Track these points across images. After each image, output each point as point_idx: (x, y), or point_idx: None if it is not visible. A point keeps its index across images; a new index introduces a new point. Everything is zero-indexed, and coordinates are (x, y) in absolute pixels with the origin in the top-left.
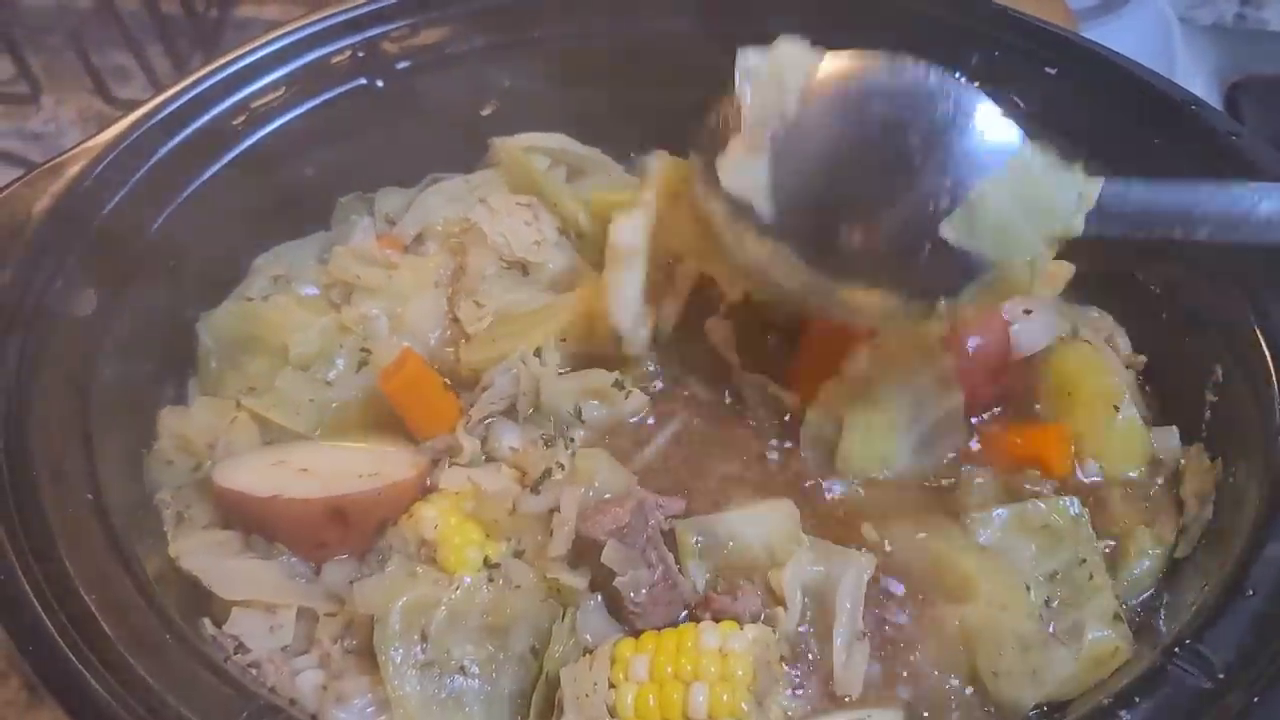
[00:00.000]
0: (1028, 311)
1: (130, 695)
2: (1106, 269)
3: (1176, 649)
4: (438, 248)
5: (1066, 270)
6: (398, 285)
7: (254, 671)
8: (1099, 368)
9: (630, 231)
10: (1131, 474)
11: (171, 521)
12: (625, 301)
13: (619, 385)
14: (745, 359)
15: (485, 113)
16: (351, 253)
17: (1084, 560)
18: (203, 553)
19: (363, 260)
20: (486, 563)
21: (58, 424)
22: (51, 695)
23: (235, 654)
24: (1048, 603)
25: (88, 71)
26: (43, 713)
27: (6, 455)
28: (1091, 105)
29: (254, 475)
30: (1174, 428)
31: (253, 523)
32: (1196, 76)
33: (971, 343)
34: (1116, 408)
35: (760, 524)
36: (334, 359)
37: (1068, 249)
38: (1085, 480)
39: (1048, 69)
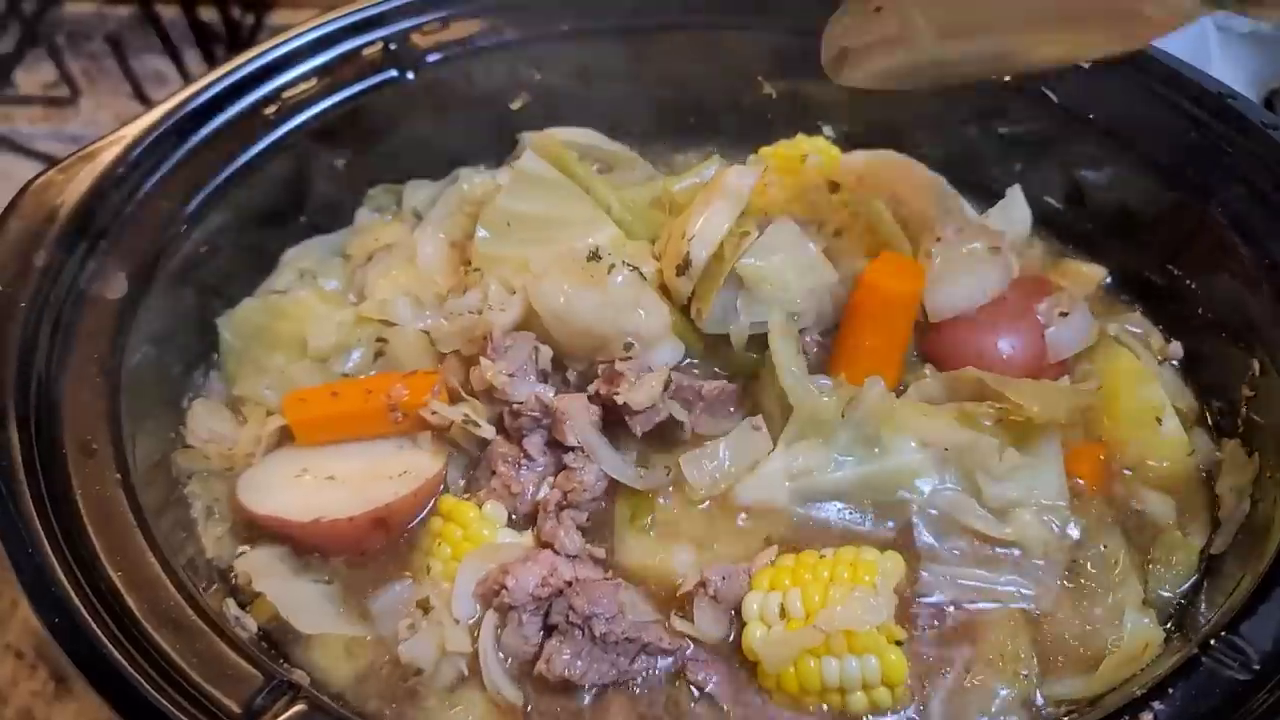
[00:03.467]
0: (1063, 314)
1: (152, 668)
2: (1139, 269)
3: (1212, 641)
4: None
5: (1099, 274)
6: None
7: None
8: (1140, 376)
9: (743, 176)
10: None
11: (201, 514)
12: (710, 228)
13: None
14: None
15: (515, 106)
16: (364, 228)
17: (1105, 545)
18: (271, 575)
19: (376, 229)
20: None
21: (88, 404)
22: (75, 667)
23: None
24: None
25: (126, 76)
26: (69, 703)
27: (37, 432)
28: (1126, 98)
29: (284, 495)
30: (1207, 430)
31: (295, 542)
32: (1234, 84)
33: (1005, 346)
34: (1159, 420)
35: None
36: (351, 351)
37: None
38: (1123, 491)
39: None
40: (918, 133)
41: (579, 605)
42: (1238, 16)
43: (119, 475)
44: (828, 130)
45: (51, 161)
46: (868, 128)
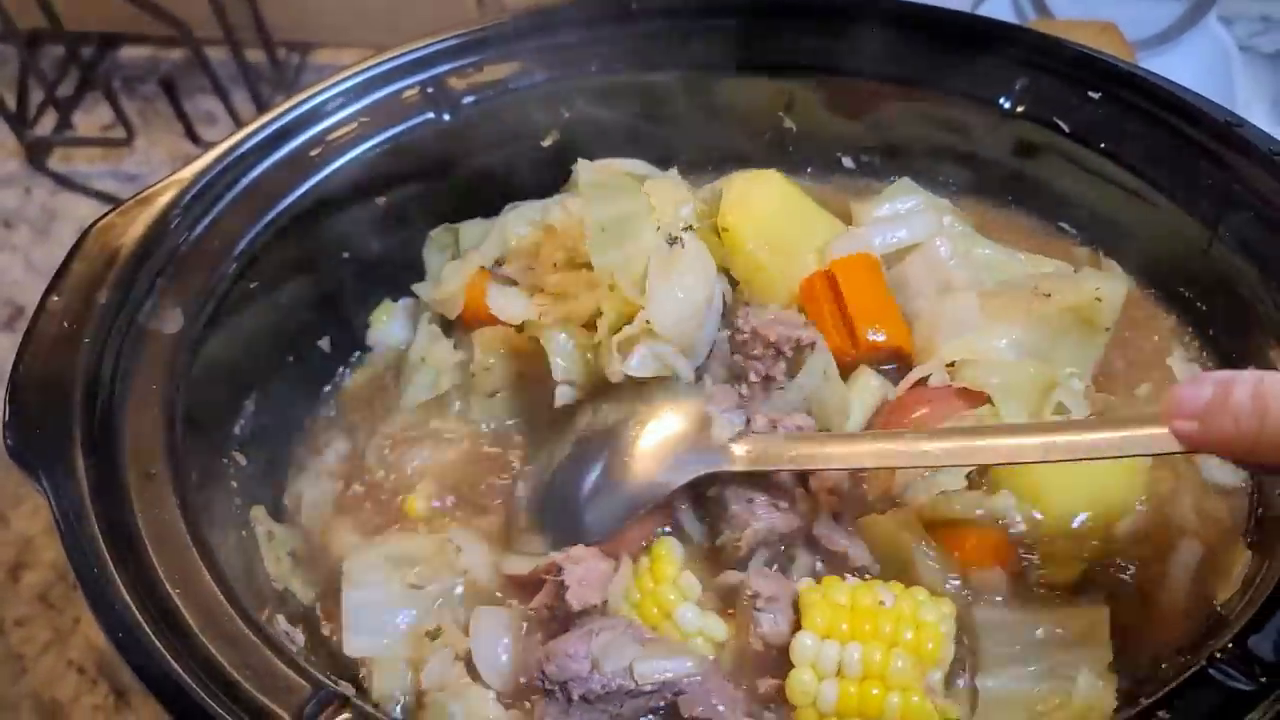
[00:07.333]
0: None
1: (209, 678)
2: None
3: (1218, 653)
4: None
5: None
6: None
7: None
8: None
9: None
10: None
11: (264, 540)
12: None
13: None
14: None
15: (545, 143)
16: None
17: None
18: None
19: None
20: None
21: (147, 432)
22: (139, 679)
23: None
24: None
25: (178, 116)
26: (129, 717)
27: (101, 459)
28: (1135, 128)
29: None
30: None
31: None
32: (1258, 105)
33: None
34: None
35: None
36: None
37: None
38: None
39: (1090, 93)
40: (928, 159)
41: (550, 672)
42: (1261, 36)
43: (177, 500)
44: (847, 162)
45: (112, 201)
46: (884, 158)
